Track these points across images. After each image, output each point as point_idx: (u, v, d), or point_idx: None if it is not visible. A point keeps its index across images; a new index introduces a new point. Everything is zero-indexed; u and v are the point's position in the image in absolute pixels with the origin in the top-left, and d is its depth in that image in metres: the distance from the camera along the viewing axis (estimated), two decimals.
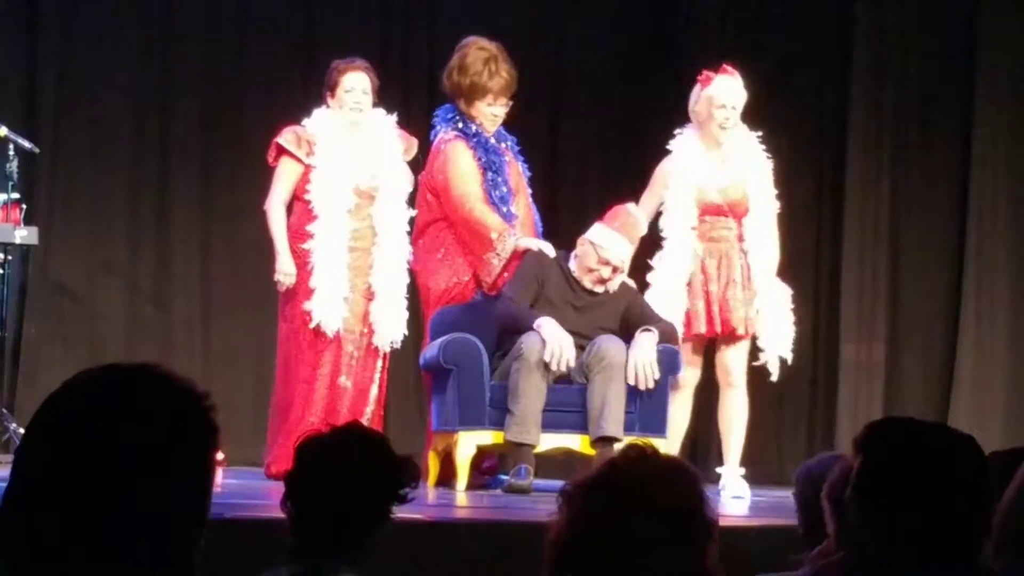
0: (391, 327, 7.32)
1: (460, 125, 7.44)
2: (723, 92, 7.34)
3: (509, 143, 7.59)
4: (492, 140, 7.45)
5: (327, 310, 7.19)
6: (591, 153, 9.37)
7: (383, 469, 3.07)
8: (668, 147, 7.46)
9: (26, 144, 7.75)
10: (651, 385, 6.84)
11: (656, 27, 9.45)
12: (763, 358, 7.33)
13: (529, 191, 7.62)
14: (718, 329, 7.28)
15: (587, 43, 9.45)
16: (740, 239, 7.35)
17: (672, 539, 2.28)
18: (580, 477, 2.40)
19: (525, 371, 6.76)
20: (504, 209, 7.31)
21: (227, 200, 8.95)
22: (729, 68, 7.43)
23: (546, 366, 6.76)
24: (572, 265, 7.11)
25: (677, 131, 7.46)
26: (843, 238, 8.87)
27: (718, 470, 7.43)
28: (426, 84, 9.00)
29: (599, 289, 7.09)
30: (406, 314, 7.40)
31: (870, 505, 2.59)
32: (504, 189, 7.35)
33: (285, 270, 7.19)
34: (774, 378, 7.38)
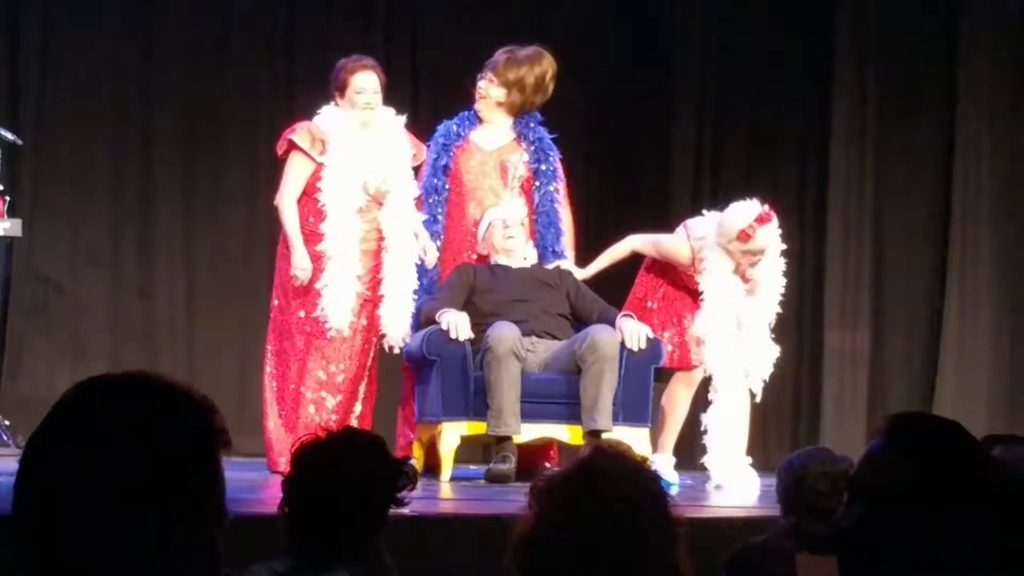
0: (399, 327, 7.25)
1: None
2: (760, 240, 7.18)
3: (525, 135, 7.55)
4: (456, 127, 7.53)
5: (337, 310, 7.15)
6: (578, 163, 8.90)
7: (380, 473, 3.13)
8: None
9: (9, 136, 7.74)
10: (643, 345, 6.89)
11: (642, 38, 9.33)
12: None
13: (553, 187, 7.52)
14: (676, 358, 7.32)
15: (573, 42, 9.37)
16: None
17: (637, 537, 2.29)
18: (548, 474, 2.42)
19: (495, 363, 6.74)
20: (430, 200, 7.40)
21: (209, 190, 8.94)
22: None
23: (516, 355, 6.78)
24: (493, 260, 7.26)
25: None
26: (827, 225, 8.86)
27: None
28: (409, 83, 8.97)
29: (512, 246, 7.21)
30: (411, 316, 7.34)
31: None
32: (435, 180, 7.43)
33: (302, 265, 7.11)
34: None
